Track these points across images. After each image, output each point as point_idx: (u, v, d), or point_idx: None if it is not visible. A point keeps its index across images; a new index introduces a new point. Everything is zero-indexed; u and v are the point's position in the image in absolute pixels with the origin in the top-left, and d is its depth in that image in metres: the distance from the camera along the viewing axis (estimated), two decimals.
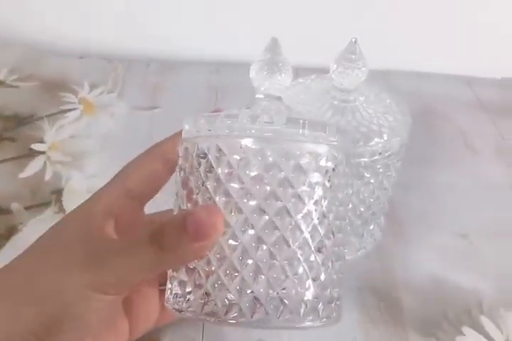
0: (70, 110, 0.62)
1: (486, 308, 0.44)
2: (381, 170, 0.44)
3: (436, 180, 0.58)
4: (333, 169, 0.29)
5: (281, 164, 0.27)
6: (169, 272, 0.30)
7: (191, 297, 0.28)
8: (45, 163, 0.54)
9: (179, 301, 0.28)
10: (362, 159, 0.43)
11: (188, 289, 0.28)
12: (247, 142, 0.27)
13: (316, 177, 0.28)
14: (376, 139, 0.43)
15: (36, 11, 0.76)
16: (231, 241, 0.27)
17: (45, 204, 0.50)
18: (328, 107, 0.45)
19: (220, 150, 0.27)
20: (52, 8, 0.75)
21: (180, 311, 0.28)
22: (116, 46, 0.78)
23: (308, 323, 0.28)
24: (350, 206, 0.45)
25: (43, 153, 0.54)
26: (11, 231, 0.47)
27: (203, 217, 0.25)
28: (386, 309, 0.44)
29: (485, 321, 0.43)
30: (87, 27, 0.77)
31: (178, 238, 0.25)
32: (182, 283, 0.28)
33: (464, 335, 0.42)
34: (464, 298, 0.45)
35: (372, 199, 0.46)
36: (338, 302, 0.31)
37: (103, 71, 0.72)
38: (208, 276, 0.27)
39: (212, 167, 0.27)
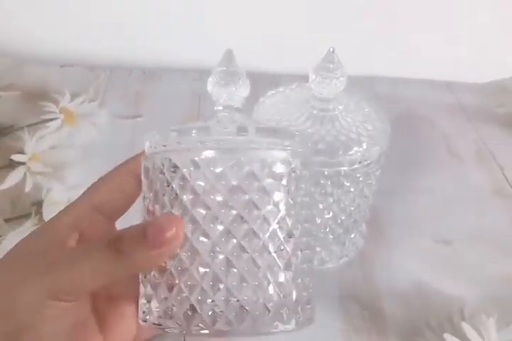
0: (50, 120, 0.61)
1: (467, 315, 0.44)
2: (361, 178, 0.44)
3: (418, 185, 0.58)
4: (290, 174, 0.29)
5: (231, 173, 0.27)
6: (141, 287, 0.30)
7: (171, 311, 0.28)
8: (25, 174, 0.53)
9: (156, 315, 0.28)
10: (341, 168, 0.43)
11: (162, 303, 0.28)
12: (199, 155, 0.28)
13: (270, 183, 0.28)
14: (355, 148, 0.43)
15: (17, 20, 0.75)
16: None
17: (26, 216, 0.49)
18: (307, 116, 0.45)
19: (173, 164, 0.28)
20: (33, 17, 0.75)
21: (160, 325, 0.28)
22: (97, 55, 0.77)
23: (273, 329, 0.28)
24: (331, 214, 0.45)
25: (23, 163, 0.54)
26: None
27: (163, 223, 0.26)
28: (369, 317, 0.44)
29: (466, 328, 0.43)
30: (67, 35, 0.76)
31: (136, 243, 0.26)
32: (157, 298, 0.28)
33: None
34: (446, 304, 0.45)
35: (353, 208, 0.46)
36: (308, 306, 0.31)
37: (84, 80, 0.72)
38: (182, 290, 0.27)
39: (167, 181, 0.28)
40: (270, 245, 0.28)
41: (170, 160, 0.28)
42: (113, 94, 0.70)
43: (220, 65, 0.34)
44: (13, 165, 0.54)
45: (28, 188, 0.52)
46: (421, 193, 0.57)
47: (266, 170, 0.28)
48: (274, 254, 0.28)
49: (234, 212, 0.27)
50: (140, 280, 0.30)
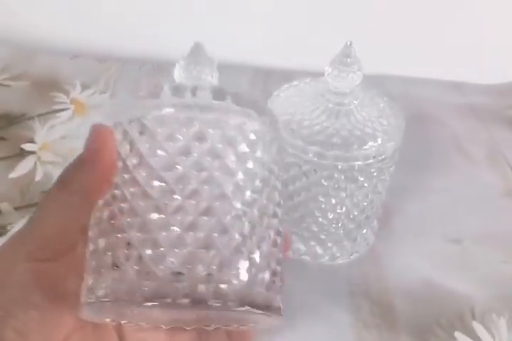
0: (61, 110, 0.61)
1: (478, 314, 0.44)
2: (375, 173, 0.44)
3: (429, 184, 0.58)
4: (264, 147, 0.27)
5: (208, 134, 0.26)
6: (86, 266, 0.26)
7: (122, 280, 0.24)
8: (35, 163, 0.53)
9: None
10: (356, 163, 0.43)
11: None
12: (173, 113, 0.26)
13: (243, 148, 0.26)
14: (370, 143, 0.43)
15: (27, 9, 0.75)
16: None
17: (35, 205, 0.49)
18: (322, 110, 0.45)
19: (144, 124, 0.26)
20: (44, 7, 0.75)
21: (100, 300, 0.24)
22: (108, 47, 0.77)
23: (240, 307, 0.24)
24: (344, 209, 0.45)
25: (33, 153, 0.54)
26: (0, 232, 0.47)
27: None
28: (379, 314, 0.44)
29: (477, 327, 0.42)
30: (79, 26, 0.76)
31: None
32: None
33: None
34: (456, 303, 0.45)
35: (365, 203, 0.45)
36: (278, 296, 0.27)
37: (95, 71, 0.71)
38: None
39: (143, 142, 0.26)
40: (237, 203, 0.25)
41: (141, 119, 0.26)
42: (123, 86, 0.70)
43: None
44: (23, 154, 0.54)
45: (38, 177, 0.52)
46: (431, 192, 0.57)
47: (240, 135, 0.26)
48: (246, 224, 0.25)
49: (205, 174, 0.25)
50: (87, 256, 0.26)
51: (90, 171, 0.26)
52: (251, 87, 0.73)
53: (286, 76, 0.70)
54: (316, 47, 0.68)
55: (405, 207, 0.54)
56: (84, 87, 0.65)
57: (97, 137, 0.27)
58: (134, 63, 0.75)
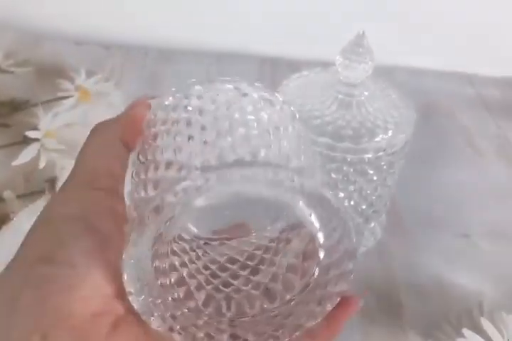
0: (66, 97, 0.60)
1: (486, 310, 0.43)
2: (385, 167, 0.43)
3: (439, 178, 0.57)
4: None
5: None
6: None
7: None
8: (39, 150, 0.52)
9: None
10: (366, 155, 0.42)
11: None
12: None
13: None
14: (381, 135, 0.42)
15: None
16: None
17: (38, 193, 0.48)
18: (332, 101, 0.44)
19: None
20: None
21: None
22: (113, 33, 0.76)
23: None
24: (352, 203, 0.44)
25: (37, 140, 0.53)
26: (3, 220, 0.46)
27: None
28: (386, 309, 0.43)
29: (486, 324, 0.42)
30: (84, 12, 0.75)
31: None
32: None
33: (465, 337, 0.41)
34: (464, 299, 0.44)
35: (374, 197, 0.45)
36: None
37: (100, 58, 0.70)
38: None
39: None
40: None
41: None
42: (129, 74, 0.69)
43: None
44: (27, 141, 0.53)
45: (42, 165, 0.51)
46: (440, 186, 0.56)
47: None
48: None
49: None
50: None
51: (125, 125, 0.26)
52: (258, 77, 0.71)
53: (294, 66, 0.69)
54: (324, 37, 0.67)
55: (413, 201, 0.54)
56: (89, 73, 0.64)
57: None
58: (140, 50, 0.74)
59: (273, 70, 0.73)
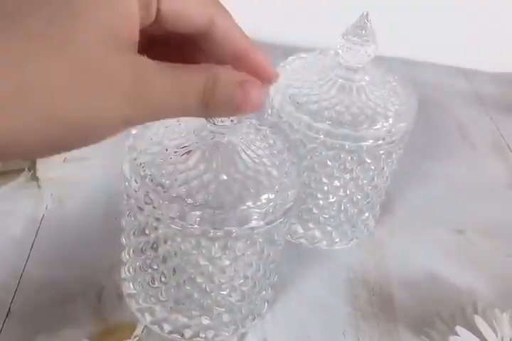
0: None
1: (480, 308, 0.42)
2: (383, 156, 0.41)
3: (433, 172, 0.55)
4: None
5: None
6: None
7: None
8: None
9: None
10: (364, 143, 0.40)
11: None
12: None
13: None
14: (381, 123, 0.40)
15: None
16: None
17: (18, 171, 0.46)
18: (331, 85, 0.42)
19: None
20: None
21: None
22: None
23: None
24: (348, 193, 0.43)
25: None
26: None
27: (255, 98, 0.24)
28: (378, 303, 0.41)
29: (479, 322, 0.40)
30: None
31: (228, 109, 0.24)
32: None
33: (458, 335, 0.39)
34: (458, 295, 0.43)
35: (370, 187, 0.43)
36: None
37: None
38: None
39: None
40: None
41: None
42: None
43: None
44: None
45: None
46: (435, 180, 0.55)
47: None
48: None
49: None
50: None
51: None
52: None
53: (286, 52, 0.67)
54: (321, 24, 0.66)
55: (407, 194, 0.52)
56: None
57: None
58: None
59: (267, 55, 0.71)
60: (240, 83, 0.24)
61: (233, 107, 0.24)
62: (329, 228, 0.45)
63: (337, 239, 0.45)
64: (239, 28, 0.27)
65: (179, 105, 0.24)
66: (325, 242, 0.45)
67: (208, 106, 0.24)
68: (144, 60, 0.22)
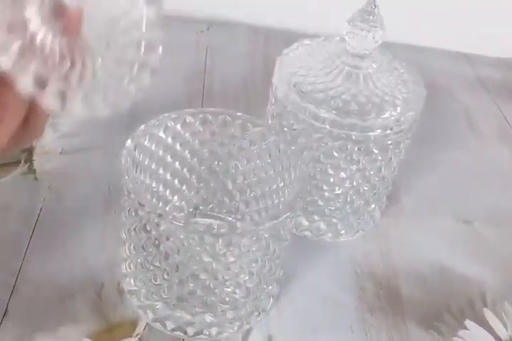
0: None
1: (489, 301, 0.41)
2: (391, 146, 0.40)
3: (440, 161, 0.54)
4: None
5: None
6: None
7: None
8: None
9: None
10: (372, 133, 0.39)
11: None
12: None
13: None
14: (389, 111, 0.39)
15: None
16: None
17: (15, 163, 0.44)
18: (337, 73, 0.40)
19: None
20: None
21: None
22: None
23: None
24: (354, 184, 0.41)
25: None
26: None
27: None
28: (385, 297, 0.41)
29: (489, 315, 0.39)
30: None
31: None
32: None
33: (468, 330, 0.38)
34: (466, 287, 0.42)
35: (377, 179, 0.42)
36: None
37: None
38: None
39: None
40: None
41: None
42: None
43: None
44: None
45: None
46: (440, 168, 0.54)
47: None
48: None
49: None
50: None
51: None
52: (250, 47, 0.67)
53: (289, 38, 0.65)
54: (324, 11, 0.64)
55: (413, 184, 0.51)
56: None
57: None
58: None
59: (266, 42, 0.69)
60: None
61: None
62: (334, 220, 0.44)
63: (342, 231, 0.44)
64: None
65: None
66: (330, 234, 0.44)
67: None
68: None
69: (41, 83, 0.22)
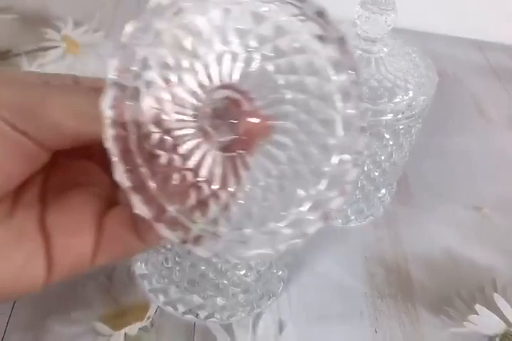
0: (51, 47, 0.55)
1: (500, 286, 0.41)
2: (402, 131, 0.40)
3: (449, 148, 0.54)
4: None
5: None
6: None
7: None
8: None
9: None
10: (383, 117, 0.38)
11: None
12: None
13: None
14: (401, 96, 0.38)
15: None
16: None
17: None
18: None
19: None
20: None
21: None
22: None
23: None
24: (365, 169, 0.41)
25: None
26: None
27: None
28: (395, 282, 0.40)
29: (499, 300, 0.39)
30: None
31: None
32: None
33: (478, 314, 0.38)
34: (477, 273, 0.42)
35: (388, 164, 0.41)
36: None
37: (88, 7, 0.65)
38: None
39: None
40: None
41: None
42: (120, 24, 0.64)
43: None
44: None
45: None
46: (450, 155, 0.53)
47: None
48: None
49: None
50: None
51: None
52: None
53: None
54: None
55: (423, 170, 0.51)
56: (77, 24, 0.59)
57: None
58: (131, 0, 0.69)
59: None
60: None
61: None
62: (344, 206, 0.43)
63: (352, 217, 0.44)
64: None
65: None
66: (340, 220, 0.44)
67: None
68: None
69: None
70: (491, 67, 0.69)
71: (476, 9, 0.71)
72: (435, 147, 0.54)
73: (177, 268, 0.34)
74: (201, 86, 0.19)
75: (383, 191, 0.44)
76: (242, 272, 0.33)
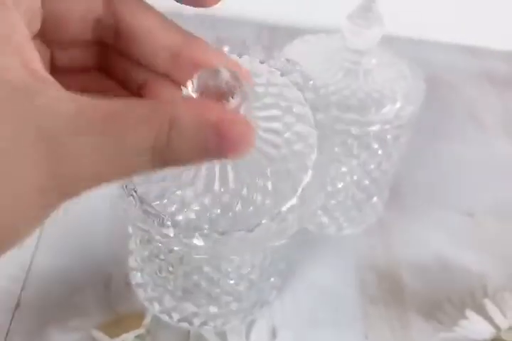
0: None
1: (490, 291, 0.42)
2: (391, 140, 0.41)
3: (443, 154, 0.55)
4: None
5: None
6: None
7: None
8: None
9: None
10: (371, 128, 0.39)
11: None
12: None
13: None
14: (389, 106, 0.39)
15: None
16: None
17: None
18: (337, 69, 0.41)
19: None
20: None
21: None
22: None
23: None
24: (355, 178, 0.42)
25: None
26: None
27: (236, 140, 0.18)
28: (387, 288, 0.41)
29: (489, 305, 0.40)
30: None
31: (192, 156, 0.18)
32: None
33: (468, 319, 0.39)
34: (468, 279, 0.43)
35: (378, 172, 0.42)
36: None
37: None
38: None
39: None
40: None
41: None
42: None
43: None
44: None
45: None
46: (443, 161, 0.54)
47: None
48: None
49: None
50: None
51: None
52: (254, 43, 0.68)
53: (293, 32, 0.66)
54: (327, 4, 0.64)
55: (415, 176, 0.51)
56: None
57: None
58: None
59: (271, 37, 0.70)
60: (213, 125, 0.17)
61: (205, 156, 0.18)
62: (337, 214, 0.44)
63: (345, 225, 0.45)
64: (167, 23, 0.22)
65: (118, 173, 0.18)
66: (333, 228, 0.45)
67: (166, 162, 0.18)
68: (59, 109, 0.16)
69: None
70: (485, 73, 0.70)
71: (470, 15, 0.72)
72: (428, 154, 0.54)
73: (171, 277, 0.35)
74: None
75: (375, 199, 0.45)
76: (234, 281, 0.34)
